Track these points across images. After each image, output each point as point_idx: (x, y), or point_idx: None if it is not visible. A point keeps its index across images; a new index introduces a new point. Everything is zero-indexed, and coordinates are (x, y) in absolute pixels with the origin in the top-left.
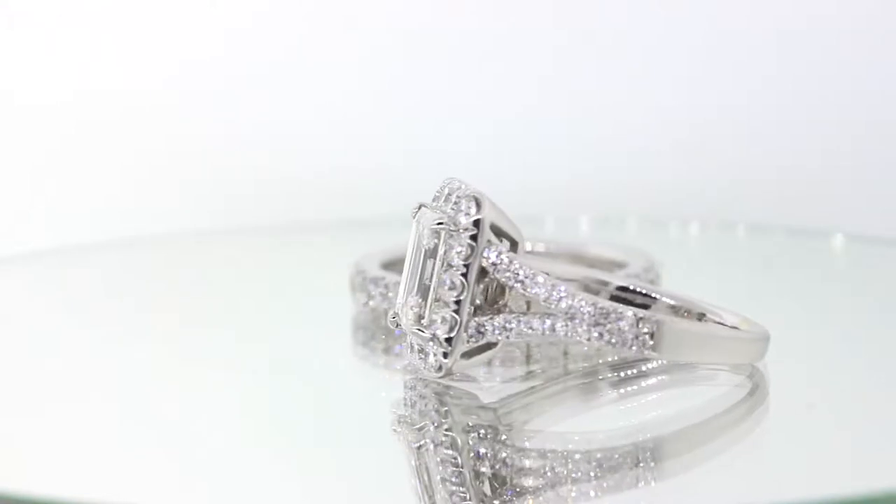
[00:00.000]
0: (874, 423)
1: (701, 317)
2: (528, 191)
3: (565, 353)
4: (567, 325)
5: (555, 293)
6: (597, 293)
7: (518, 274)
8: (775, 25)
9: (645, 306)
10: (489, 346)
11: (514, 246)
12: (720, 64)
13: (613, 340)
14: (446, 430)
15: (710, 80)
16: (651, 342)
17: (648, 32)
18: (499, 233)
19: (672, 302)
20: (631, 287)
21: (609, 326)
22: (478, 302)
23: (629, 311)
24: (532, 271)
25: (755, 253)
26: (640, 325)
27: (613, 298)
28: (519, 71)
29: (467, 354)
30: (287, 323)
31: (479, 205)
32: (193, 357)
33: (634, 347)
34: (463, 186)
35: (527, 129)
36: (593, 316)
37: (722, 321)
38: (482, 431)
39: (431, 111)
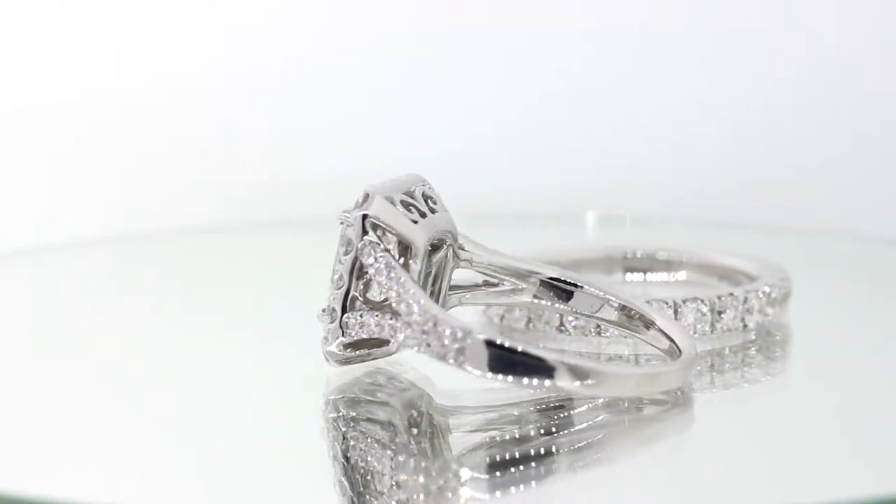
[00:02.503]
0: (874, 424)
1: (650, 324)
2: (526, 190)
3: None
4: (405, 332)
5: (397, 295)
6: (526, 280)
7: (380, 275)
8: (778, 27)
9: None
10: (382, 341)
11: (403, 248)
12: (719, 64)
13: (434, 351)
14: (331, 417)
15: (710, 81)
16: (463, 358)
17: (650, 33)
18: (387, 231)
19: (602, 294)
20: (561, 278)
21: (431, 337)
22: (358, 296)
23: (452, 323)
24: (391, 274)
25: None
26: (454, 342)
27: (543, 285)
28: (519, 71)
29: (353, 347)
30: (287, 320)
31: (365, 200)
32: (191, 354)
33: (452, 361)
34: (385, 181)
35: (527, 129)
36: (421, 325)
37: (653, 322)
38: (361, 426)
39: (432, 111)
